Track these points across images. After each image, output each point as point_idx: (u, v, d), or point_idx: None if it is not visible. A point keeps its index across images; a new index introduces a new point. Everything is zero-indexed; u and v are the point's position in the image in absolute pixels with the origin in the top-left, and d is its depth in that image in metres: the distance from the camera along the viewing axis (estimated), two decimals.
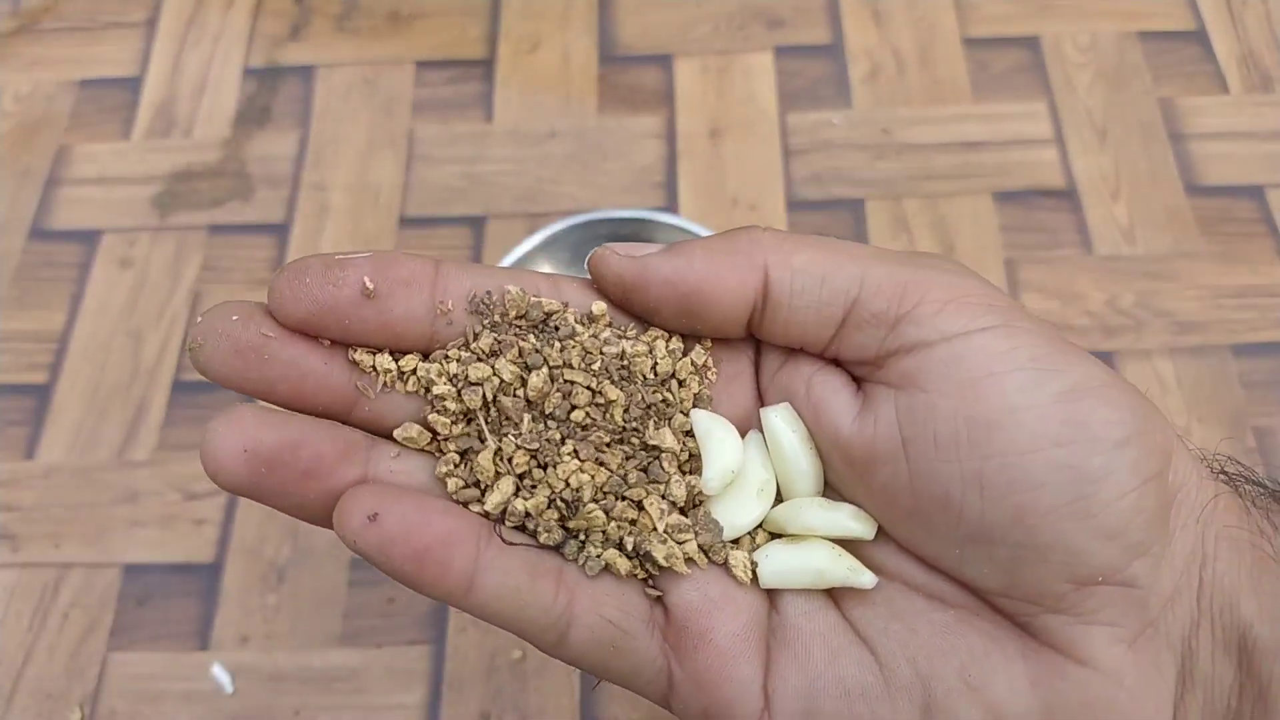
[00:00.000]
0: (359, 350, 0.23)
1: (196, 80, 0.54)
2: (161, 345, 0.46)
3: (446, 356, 0.24)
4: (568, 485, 0.23)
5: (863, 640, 0.22)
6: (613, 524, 0.23)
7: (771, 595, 0.23)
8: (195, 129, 0.52)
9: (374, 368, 0.23)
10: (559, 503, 0.23)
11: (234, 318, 0.21)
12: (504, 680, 0.38)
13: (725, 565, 0.23)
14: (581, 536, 0.23)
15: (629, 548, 0.23)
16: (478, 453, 0.24)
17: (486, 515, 0.23)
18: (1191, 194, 0.48)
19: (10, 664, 0.39)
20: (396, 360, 0.23)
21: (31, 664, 0.39)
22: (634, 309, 0.24)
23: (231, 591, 0.40)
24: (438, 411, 0.23)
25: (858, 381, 0.23)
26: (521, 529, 0.23)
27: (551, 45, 0.54)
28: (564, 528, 0.23)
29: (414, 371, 0.24)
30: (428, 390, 0.24)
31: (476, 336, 0.24)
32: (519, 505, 0.23)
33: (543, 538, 0.23)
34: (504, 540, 0.22)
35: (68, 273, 0.48)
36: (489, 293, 0.24)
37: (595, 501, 0.23)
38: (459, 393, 0.24)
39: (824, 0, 0.55)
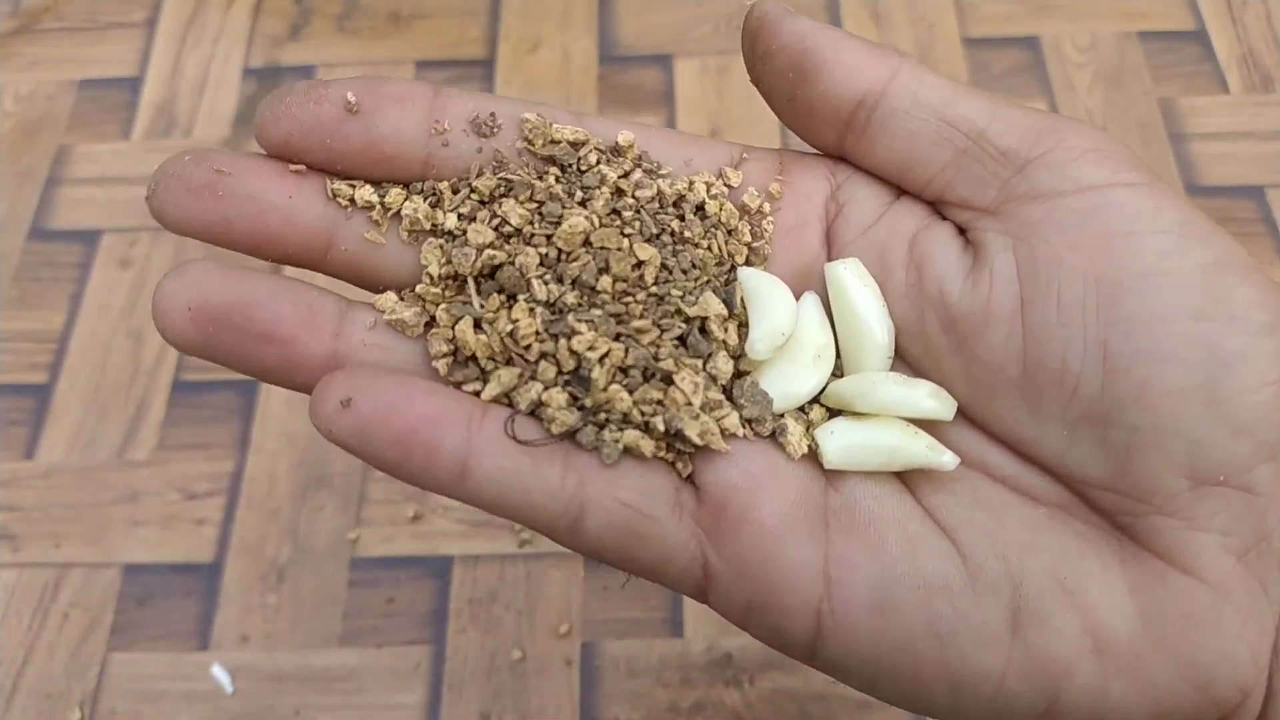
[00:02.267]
0: (337, 180, 0.20)
1: (196, 80, 0.54)
2: (161, 345, 0.46)
3: (436, 195, 0.20)
4: (582, 362, 0.19)
5: (942, 530, 0.19)
6: (636, 408, 0.19)
7: (832, 477, 0.20)
8: (195, 129, 0.52)
9: (353, 201, 0.20)
10: (572, 383, 0.19)
11: (186, 158, 0.20)
12: (504, 680, 0.38)
13: (775, 439, 0.20)
14: (601, 416, 0.19)
15: (658, 428, 0.19)
16: (458, 319, 0.20)
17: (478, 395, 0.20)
18: (1191, 194, 0.48)
19: (10, 664, 0.39)
20: (381, 194, 0.20)
21: (31, 664, 0.39)
22: (754, 53, 0.21)
23: (231, 591, 0.40)
24: (426, 278, 0.20)
25: (963, 236, 0.20)
26: (532, 415, 0.19)
27: (551, 45, 0.54)
28: (580, 407, 0.19)
29: (399, 211, 0.20)
30: (412, 234, 0.20)
31: (480, 174, 0.20)
32: (526, 395, 0.19)
33: (554, 426, 0.19)
34: (515, 439, 0.19)
35: (68, 273, 0.48)
36: (493, 114, 0.21)
37: (616, 381, 0.19)
38: (448, 257, 0.20)
39: (824, 0, 0.55)
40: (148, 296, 0.47)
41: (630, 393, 0.19)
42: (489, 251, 0.20)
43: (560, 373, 0.19)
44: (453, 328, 0.20)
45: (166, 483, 0.43)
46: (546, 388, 0.19)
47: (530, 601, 0.40)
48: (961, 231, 0.20)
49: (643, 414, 0.19)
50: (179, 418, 0.44)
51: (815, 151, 0.22)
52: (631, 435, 0.19)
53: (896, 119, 0.20)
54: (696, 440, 0.19)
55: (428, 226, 0.20)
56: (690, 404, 0.19)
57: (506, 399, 0.20)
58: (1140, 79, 0.52)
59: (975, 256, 0.20)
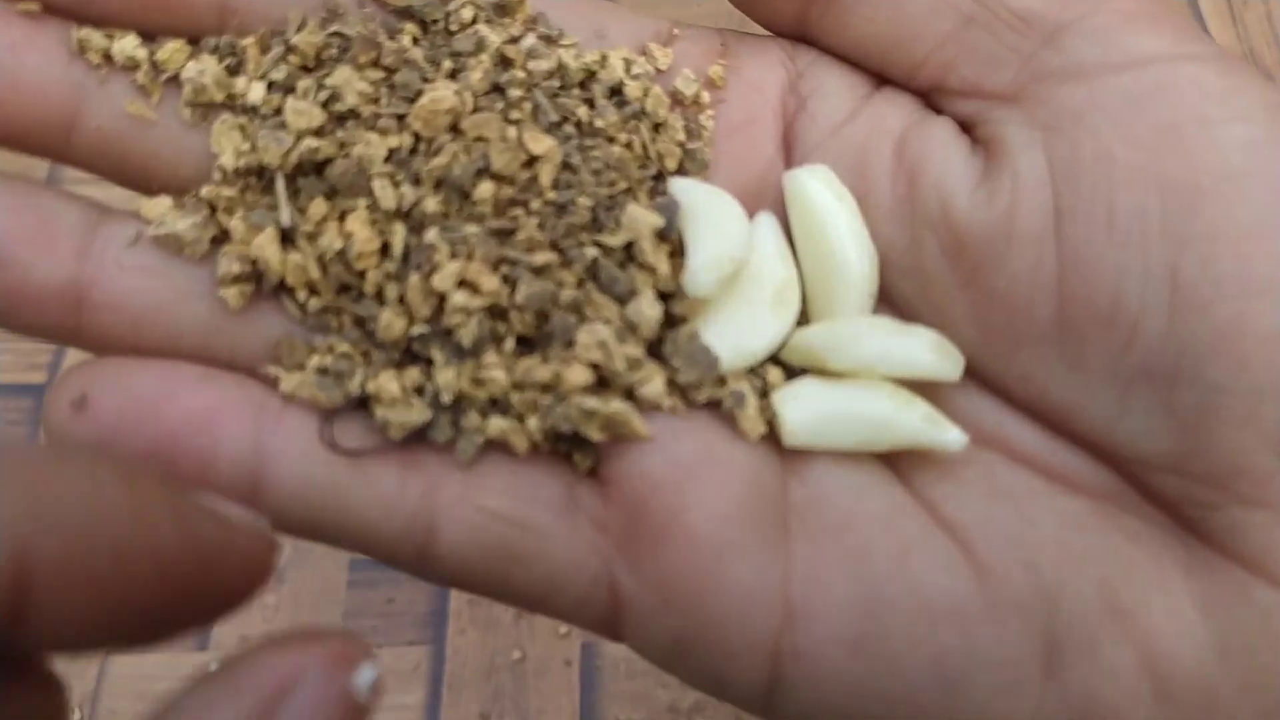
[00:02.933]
0: (85, 29, 0.14)
1: None
2: None
3: (236, 55, 0.15)
4: (444, 307, 0.14)
5: (949, 531, 0.14)
6: (518, 394, 0.14)
7: (794, 462, 0.15)
8: None
9: (108, 57, 0.14)
10: (431, 340, 0.14)
11: None
12: (504, 681, 0.38)
13: (716, 410, 0.15)
14: (450, 400, 0.14)
15: (534, 430, 0.14)
16: (259, 229, 0.14)
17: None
18: None
19: None
20: (151, 49, 0.14)
21: None
22: None
23: None
24: (217, 174, 0.14)
25: (969, 134, 0.16)
26: (363, 405, 0.14)
27: None
28: (433, 401, 0.14)
29: (179, 74, 0.15)
30: (197, 109, 0.15)
31: (302, 26, 0.15)
32: (343, 387, 0.14)
33: (391, 430, 0.14)
34: (334, 448, 0.14)
35: None
36: None
37: (495, 342, 0.14)
38: (252, 142, 0.14)
39: None
40: None
41: (508, 370, 0.14)
42: (310, 141, 0.14)
43: (412, 321, 0.14)
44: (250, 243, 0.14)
45: None
46: (375, 371, 0.14)
47: None
48: (967, 129, 0.16)
49: (523, 404, 0.14)
50: None
51: (769, 34, 0.18)
52: (498, 424, 0.14)
53: None
54: (597, 438, 0.14)
55: (220, 98, 0.15)
56: (591, 389, 0.14)
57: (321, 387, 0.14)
58: None
59: (988, 158, 0.15)
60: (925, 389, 0.15)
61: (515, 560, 0.14)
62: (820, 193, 0.15)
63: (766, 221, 0.16)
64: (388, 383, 0.14)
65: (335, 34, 0.14)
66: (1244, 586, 0.13)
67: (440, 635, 0.39)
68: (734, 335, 0.15)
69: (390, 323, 0.14)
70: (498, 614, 0.39)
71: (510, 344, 0.14)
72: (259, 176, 0.14)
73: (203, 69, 0.14)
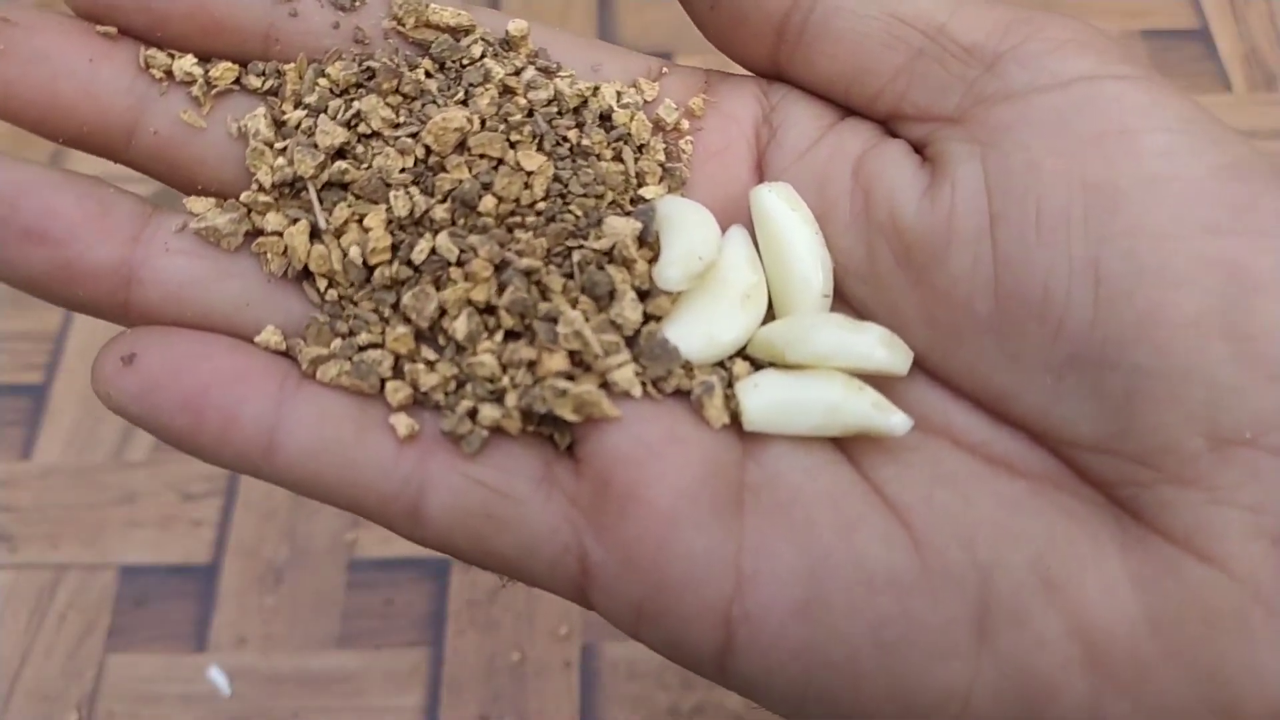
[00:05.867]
0: (151, 49, 0.17)
1: None
2: None
3: (279, 78, 0.17)
4: (445, 313, 0.16)
5: (892, 510, 0.16)
6: (507, 375, 0.16)
7: (752, 445, 0.16)
8: None
9: (169, 74, 0.17)
10: (424, 339, 0.16)
11: None
12: (503, 683, 0.38)
13: (684, 399, 0.16)
14: (468, 389, 0.16)
15: (512, 406, 0.16)
16: (293, 220, 0.17)
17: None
18: None
19: (7, 666, 0.39)
20: (205, 67, 0.17)
21: (28, 666, 0.39)
22: None
23: (229, 593, 0.40)
24: (254, 185, 0.17)
25: (921, 155, 0.17)
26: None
27: None
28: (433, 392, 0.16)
29: (235, 83, 0.17)
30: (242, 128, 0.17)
31: (337, 58, 0.17)
32: (373, 375, 0.16)
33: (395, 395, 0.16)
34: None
35: None
36: None
37: (487, 335, 0.16)
38: (290, 158, 0.16)
39: None
40: None
41: (497, 355, 0.16)
42: (340, 164, 0.17)
43: (419, 336, 0.16)
44: (283, 232, 0.17)
45: (163, 484, 0.42)
46: (400, 361, 0.16)
47: (529, 603, 0.40)
48: (918, 150, 0.17)
49: (512, 382, 0.16)
50: None
51: (748, 74, 0.19)
52: (491, 413, 0.15)
53: (839, 19, 0.17)
54: (572, 419, 0.15)
55: (271, 136, 0.17)
56: (566, 374, 0.16)
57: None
58: None
59: (934, 171, 0.17)
60: (878, 383, 0.17)
61: (495, 524, 0.16)
62: (778, 204, 0.17)
63: (737, 233, 0.18)
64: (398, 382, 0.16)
65: (366, 68, 0.17)
66: (1174, 562, 0.14)
67: (439, 637, 0.39)
68: (705, 330, 0.17)
69: (399, 334, 0.16)
70: (497, 616, 0.39)
71: (499, 336, 0.16)
72: (290, 187, 0.17)
73: (255, 86, 0.17)
